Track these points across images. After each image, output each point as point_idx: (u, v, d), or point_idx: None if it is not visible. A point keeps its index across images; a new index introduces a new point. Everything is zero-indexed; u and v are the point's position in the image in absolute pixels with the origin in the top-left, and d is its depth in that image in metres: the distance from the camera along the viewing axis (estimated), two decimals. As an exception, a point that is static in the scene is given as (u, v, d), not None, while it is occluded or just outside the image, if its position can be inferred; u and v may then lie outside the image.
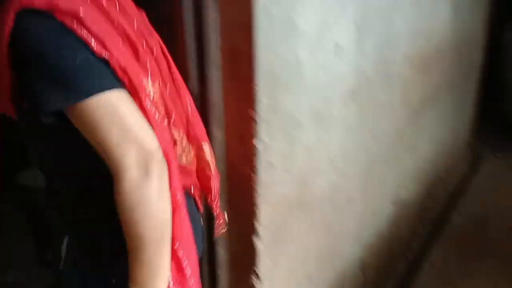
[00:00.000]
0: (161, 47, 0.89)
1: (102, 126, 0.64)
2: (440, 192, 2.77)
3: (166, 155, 0.71)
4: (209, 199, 1.04)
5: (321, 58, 1.33)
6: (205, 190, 1.01)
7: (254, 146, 1.15)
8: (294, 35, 1.20)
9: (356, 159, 1.67)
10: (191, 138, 0.92)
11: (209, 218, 1.30)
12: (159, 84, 0.79)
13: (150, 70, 0.75)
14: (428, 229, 2.57)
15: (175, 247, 0.75)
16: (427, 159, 2.44)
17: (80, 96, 0.64)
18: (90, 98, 0.64)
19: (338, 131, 1.52)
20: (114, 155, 0.66)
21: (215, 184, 1.01)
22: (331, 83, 1.41)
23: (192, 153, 0.93)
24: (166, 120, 0.80)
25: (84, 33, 0.65)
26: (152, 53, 0.80)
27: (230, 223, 1.31)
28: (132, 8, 0.80)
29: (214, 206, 1.06)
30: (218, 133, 1.21)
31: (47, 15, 0.63)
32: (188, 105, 0.93)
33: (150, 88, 0.74)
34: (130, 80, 0.69)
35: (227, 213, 1.30)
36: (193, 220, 0.84)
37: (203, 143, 0.96)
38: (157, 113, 0.73)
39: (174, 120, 0.83)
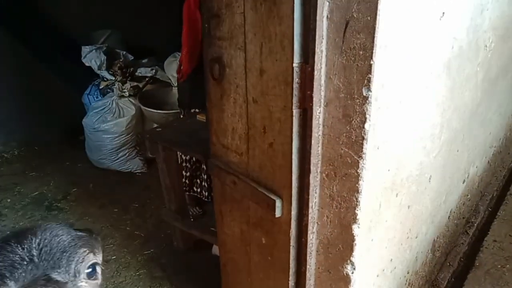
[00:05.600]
0: None
1: None
2: (499, 166, 2.65)
3: None
4: None
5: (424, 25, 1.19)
6: None
7: (364, 129, 1.04)
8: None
9: (440, 137, 1.55)
10: None
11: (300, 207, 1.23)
12: None
13: None
14: (489, 205, 2.46)
15: None
16: (494, 133, 2.31)
17: None
18: None
19: (430, 107, 1.40)
20: None
21: None
22: (429, 52, 1.27)
23: None
24: None
25: None
26: None
27: (325, 208, 1.23)
28: None
29: None
30: (317, 111, 1.11)
31: None
32: None
33: None
34: None
35: (321, 197, 1.21)
36: None
37: None
38: None
39: None
